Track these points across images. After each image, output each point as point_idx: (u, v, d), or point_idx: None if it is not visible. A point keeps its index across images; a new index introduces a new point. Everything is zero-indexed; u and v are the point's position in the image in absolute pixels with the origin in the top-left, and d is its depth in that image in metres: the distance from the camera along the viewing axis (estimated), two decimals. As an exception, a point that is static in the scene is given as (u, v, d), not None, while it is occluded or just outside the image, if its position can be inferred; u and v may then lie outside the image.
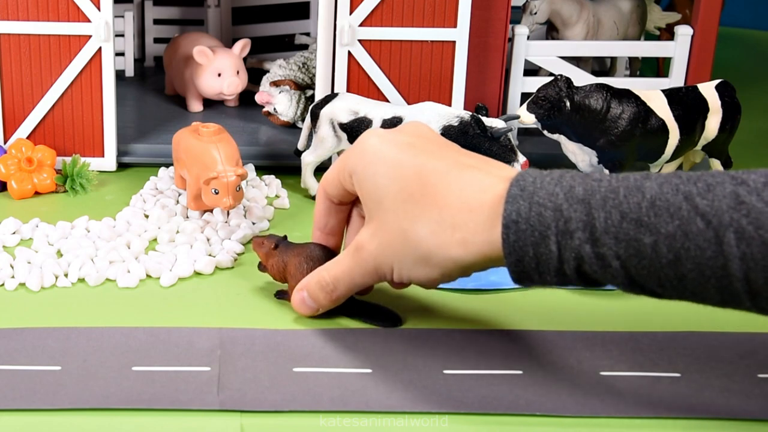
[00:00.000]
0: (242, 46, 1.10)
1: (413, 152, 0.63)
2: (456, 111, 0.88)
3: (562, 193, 0.56)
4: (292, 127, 1.09)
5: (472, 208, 0.60)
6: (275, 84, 1.07)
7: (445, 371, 0.67)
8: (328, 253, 0.74)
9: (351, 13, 0.95)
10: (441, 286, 0.79)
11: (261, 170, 0.99)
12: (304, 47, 1.25)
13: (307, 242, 0.75)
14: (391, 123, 0.88)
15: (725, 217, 0.52)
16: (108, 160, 0.99)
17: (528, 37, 1.02)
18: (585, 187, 0.56)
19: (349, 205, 0.72)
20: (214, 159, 0.84)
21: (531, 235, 0.57)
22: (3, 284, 0.77)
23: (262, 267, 0.77)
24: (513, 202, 0.57)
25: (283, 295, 0.76)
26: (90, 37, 0.95)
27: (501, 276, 0.81)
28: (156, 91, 1.19)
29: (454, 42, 0.96)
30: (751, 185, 0.53)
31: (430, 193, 0.61)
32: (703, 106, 0.92)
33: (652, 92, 0.91)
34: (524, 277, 0.59)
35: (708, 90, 0.93)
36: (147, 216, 0.89)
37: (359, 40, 0.96)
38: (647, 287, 0.57)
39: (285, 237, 0.77)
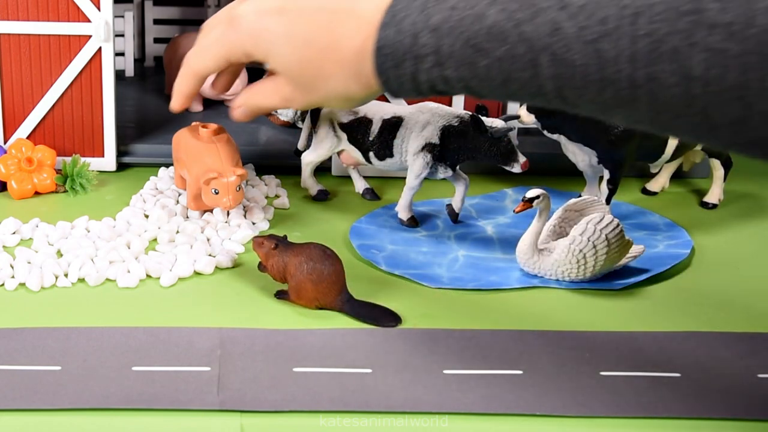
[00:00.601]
0: (242, 46, 1.10)
1: (291, 17, 0.70)
2: (456, 111, 0.88)
3: (421, 22, 0.63)
4: (292, 127, 1.09)
5: (361, 47, 0.66)
6: (275, 84, 1.07)
7: (445, 371, 0.67)
8: (329, 252, 0.74)
9: (351, 13, 0.95)
10: (441, 286, 0.79)
11: (261, 170, 0.99)
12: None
13: (307, 242, 0.75)
14: (391, 123, 0.88)
15: (542, 42, 0.58)
16: (108, 160, 0.99)
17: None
18: (441, 16, 0.62)
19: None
20: (213, 159, 0.84)
21: (393, 59, 0.64)
22: (3, 284, 0.77)
23: (262, 267, 0.77)
24: (384, 29, 0.64)
25: (283, 295, 0.76)
26: (90, 37, 0.95)
27: (501, 276, 0.81)
28: (156, 91, 1.19)
29: (454, 42, 0.96)
30: (571, 9, 0.57)
31: (325, 55, 0.69)
32: (703, 106, 0.92)
33: (652, 92, 0.91)
34: (395, 93, 0.67)
35: (708, 90, 0.93)
36: (147, 216, 0.89)
37: (359, 40, 0.95)
38: (481, 95, 0.64)
39: (285, 237, 0.77)
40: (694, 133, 0.55)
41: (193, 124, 0.90)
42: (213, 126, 0.88)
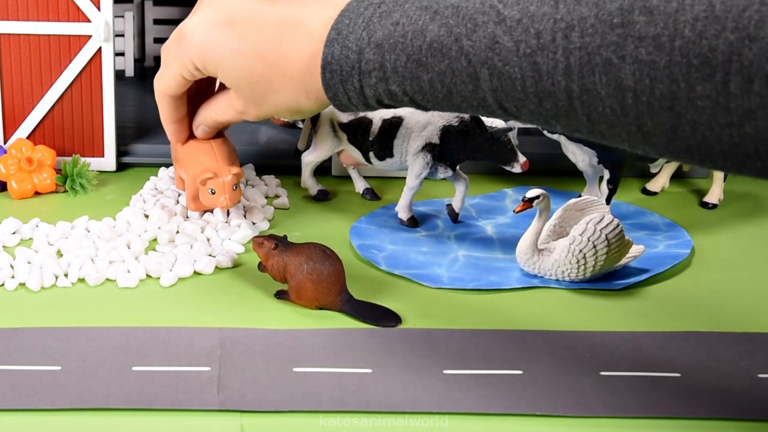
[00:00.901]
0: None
1: (239, 32, 0.72)
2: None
3: (367, 37, 0.65)
4: (292, 127, 1.09)
5: (309, 63, 0.68)
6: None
7: (445, 371, 0.67)
8: (329, 252, 0.74)
9: (351, 13, 0.95)
10: (441, 286, 0.79)
11: (261, 170, 0.99)
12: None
13: (307, 242, 0.75)
14: (391, 123, 0.88)
15: (482, 56, 0.59)
16: (108, 160, 0.99)
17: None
18: (384, 32, 0.64)
19: (185, 94, 0.82)
20: (209, 159, 0.84)
21: (340, 74, 0.66)
22: (3, 284, 0.77)
23: (262, 267, 0.77)
24: (330, 45, 0.66)
25: (283, 295, 0.76)
26: (90, 37, 0.95)
27: (501, 276, 0.81)
28: (156, 91, 1.19)
29: (454, 42, 0.96)
30: (507, 23, 0.58)
31: (274, 70, 0.70)
32: (703, 106, 0.92)
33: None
34: (343, 107, 0.69)
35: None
36: (147, 216, 0.89)
37: (359, 40, 0.96)
38: (426, 108, 0.66)
39: (285, 237, 0.77)
40: (630, 142, 0.56)
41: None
42: None
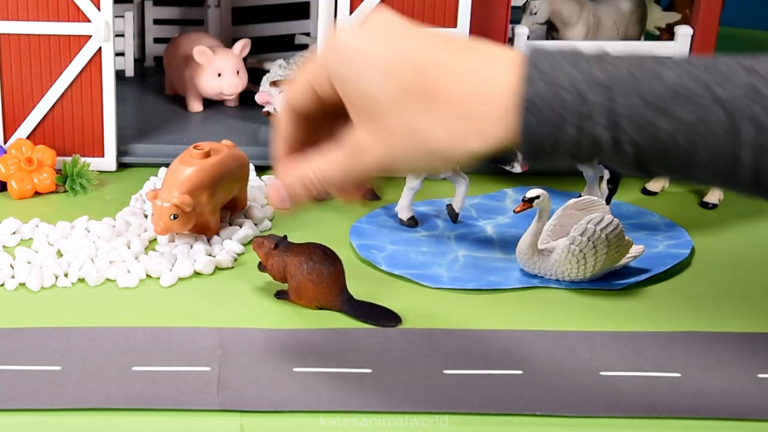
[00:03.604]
0: (242, 46, 1.10)
1: (397, 43, 0.59)
2: (456, 111, 0.88)
3: (581, 76, 0.56)
4: (292, 127, 1.08)
5: (484, 95, 0.57)
6: (275, 84, 1.07)
7: (445, 371, 0.67)
8: (329, 252, 0.74)
9: (351, 13, 0.95)
10: (441, 286, 0.79)
11: (261, 170, 0.99)
12: (304, 47, 1.25)
13: (307, 242, 0.75)
14: (391, 123, 0.88)
15: (743, 107, 0.53)
16: (108, 160, 0.99)
17: (528, 37, 1.01)
18: (603, 72, 0.56)
19: (316, 119, 0.66)
20: (169, 178, 0.82)
21: (550, 117, 0.56)
22: (3, 284, 0.77)
23: (262, 267, 0.77)
24: (532, 84, 0.56)
25: (283, 295, 0.76)
26: (90, 37, 0.95)
27: (501, 276, 0.81)
28: (156, 91, 1.19)
29: (454, 42, 0.96)
30: (763, 75, 0.53)
31: (435, 88, 0.58)
32: (703, 106, 0.92)
33: (652, 92, 0.91)
34: (536, 157, 0.57)
35: (708, 90, 0.93)
36: (147, 216, 0.88)
37: (359, 40, 0.95)
38: (651, 168, 0.57)
39: (285, 237, 0.77)
40: None
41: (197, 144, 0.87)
42: (205, 149, 0.84)
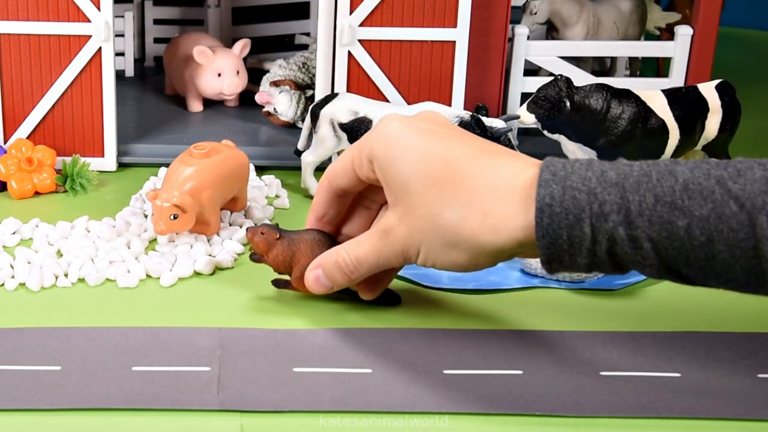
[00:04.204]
0: (242, 46, 1.10)
1: (437, 138, 0.64)
2: (456, 111, 0.88)
3: (595, 177, 0.58)
4: (292, 127, 1.09)
5: (502, 192, 0.60)
6: (275, 84, 1.07)
7: (445, 371, 0.67)
8: (330, 236, 0.74)
9: (351, 13, 0.95)
10: (441, 286, 0.79)
11: (261, 170, 0.99)
12: (304, 47, 1.25)
13: (304, 229, 0.74)
14: (391, 123, 0.88)
15: (758, 201, 0.54)
16: (108, 160, 0.99)
17: (528, 37, 1.02)
18: (617, 172, 0.57)
19: (350, 197, 0.72)
20: (169, 178, 0.82)
21: (565, 218, 0.57)
22: (3, 284, 0.77)
23: (256, 257, 0.75)
24: (546, 186, 0.58)
25: (282, 284, 0.75)
26: (90, 37, 0.95)
27: (501, 276, 0.81)
28: (156, 91, 1.19)
29: (454, 42, 0.96)
30: None
31: (460, 179, 0.62)
32: (703, 106, 0.92)
33: (652, 92, 0.91)
34: (554, 260, 0.59)
35: (708, 90, 0.93)
36: (147, 216, 0.88)
37: (359, 40, 0.96)
38: (674, 269, 0.58)
39: (277, 225, 0.75)
40: None
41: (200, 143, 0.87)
42: (206, 149, 0.84)
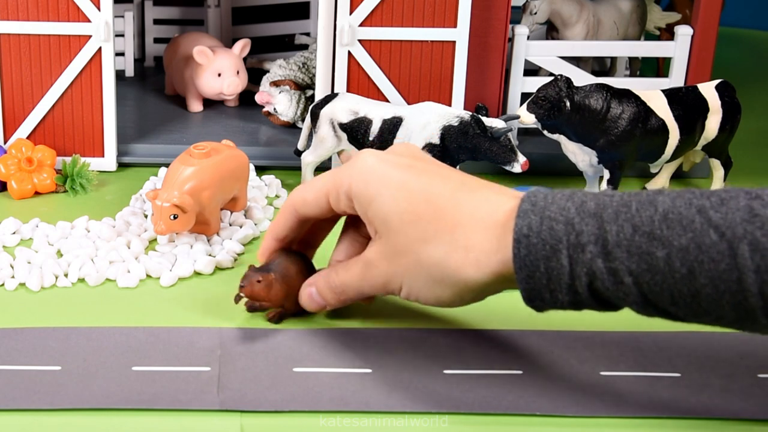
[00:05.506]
0: (242, 46, 1.10)
1: (415, 173, 0.64)
2: (456, 111, 0.88)
3: (574, 207, 0.56)
4: (292, 127, 1.09)
5: (485, 227, 0.60)
6: (275, 84, 1.07)
7: (445, 371, 0.67)
8: (303, 256, 0.73)
9: (351, 13, 0.95)
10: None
11: (261, 170, 0.99)
12: (304, 47, 1.25)
13: (281, 253, 0.72)
14: (391, 123, 0.88)
15: (739, 230, 0.52)
16: (108, 160, 0.99)
17: (528, 37, 1.02)
18: (596, 202, 0.56)
19: (313, 221, 0.71)
20: (169, 178, 0.82)
21: (542, 249, 0.57)
22: (3, 284, 0.77)
23: (253, 307, 0.72)
24: (524, 217, 0.57)
25: (256, 308, 0.72)
26: (90, 37, 0.95)
27: (501, 276, 0.81)
28: (156, 91, 1.19)
29: (454, 42, 0.96)
30: (765, 199, 0.52)
31: (441, 215, 0.61)
32: (703, 106, 0.92)
33: (652, 92, 0.91)
34: (535, 296, 0.59)
35: (708, 90, 0.93)
36: (147, 216, 0.88)
37: (359, 40, 0.96)
38: (660, 306, 0.56)
39: (254, 266, 0.72)
40: None
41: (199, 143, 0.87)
42: (206, 149, 0.84)
